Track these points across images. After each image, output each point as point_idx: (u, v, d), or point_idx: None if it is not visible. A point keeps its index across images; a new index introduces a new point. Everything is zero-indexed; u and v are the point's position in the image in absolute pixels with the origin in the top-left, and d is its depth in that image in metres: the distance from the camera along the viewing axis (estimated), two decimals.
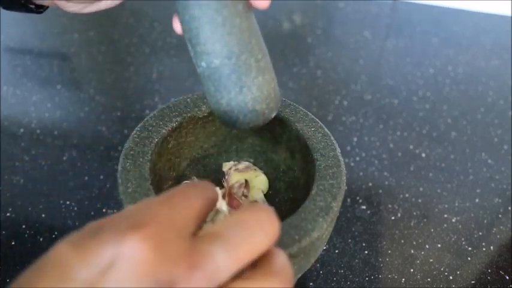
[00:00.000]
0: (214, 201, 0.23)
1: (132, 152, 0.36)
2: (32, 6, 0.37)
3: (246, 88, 0.34)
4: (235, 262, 0.20)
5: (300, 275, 0.36)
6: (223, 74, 0.33)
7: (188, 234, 0.20)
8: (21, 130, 0.62)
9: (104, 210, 0.53)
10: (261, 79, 0.34)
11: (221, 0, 0.30)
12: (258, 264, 0.22)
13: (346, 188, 0.56)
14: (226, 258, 0.20)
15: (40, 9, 0.38)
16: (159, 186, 0.39)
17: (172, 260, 0.19)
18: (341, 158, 0.37)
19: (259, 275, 0.21)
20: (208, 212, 0.23)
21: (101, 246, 0.19)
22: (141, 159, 0.36)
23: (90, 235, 0.19)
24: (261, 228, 0.21)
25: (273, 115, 0.37)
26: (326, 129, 0.40)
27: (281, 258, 0.22)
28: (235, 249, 0.20)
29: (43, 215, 0.52)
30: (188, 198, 0.22)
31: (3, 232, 0.50)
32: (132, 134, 0.38)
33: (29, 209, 0.52)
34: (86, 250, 0.18)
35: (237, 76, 0.33)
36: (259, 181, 0.45)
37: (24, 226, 0.51)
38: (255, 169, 0.47)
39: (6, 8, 0.37)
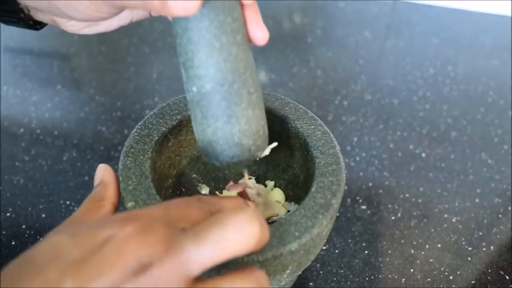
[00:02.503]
0: (211, 212, 0.27)
1: (132, 150, 0.36)
2: (31, 22, 0.36)
3: (235, 118, 0.33)
4: (205, 255, 0.23)
5: (300, 272, 0.36)
6: (213, 100, 0.32)
7: (174, 229, 0.24)
8: (21, 130, 0.62)
9: None
10: (251, 113, 0.33)
11: (221, 28, 0.30)
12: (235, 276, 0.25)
13: (346, 187, 0.56)
14: (196, 251, 0.23)
15: (38, 25, 0.37)
16: (159, 184, 0.39)
17: (152, 244, 0.22)
18: (340, 156, 0.37)
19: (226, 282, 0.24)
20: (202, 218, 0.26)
21: (96, 232, 0.23)
22: (141, 157, 0.36)
23: (88, 225, 0.24)
24: (235, 227, 0.24)
25: (260, 154, 0.36)
26: (325, 127, 0.40)
27: (258, 280, 0.25)
28: (206, 244, 0.23)
29: (43, 215, 0.52)
30: (184, 205, 0.26)
31: (3, 232, 0.50)
32: (133, 132, 0.38)
33: (29, 209, 0.52)
34: (81, 236, 0.23)
35: (227, 104, 0.32)
36: (278, 194, 0.45)
37: (24, 226, 0.51)
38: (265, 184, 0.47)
39: (5, 22, 0.36)
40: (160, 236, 0.23)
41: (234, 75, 0.32)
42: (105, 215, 0.30)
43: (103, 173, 0.33)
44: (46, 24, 0.37)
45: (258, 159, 0.36)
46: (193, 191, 0.45)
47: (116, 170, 0.56)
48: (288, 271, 0.33)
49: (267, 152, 0.36)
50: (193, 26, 0.30)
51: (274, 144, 0.37)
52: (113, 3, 0.31)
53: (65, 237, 0.23)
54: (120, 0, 0.30)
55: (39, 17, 0.36)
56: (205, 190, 0.45)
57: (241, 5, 0.32)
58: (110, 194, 0.32)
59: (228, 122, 0.33)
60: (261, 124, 0.35)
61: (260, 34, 0.32)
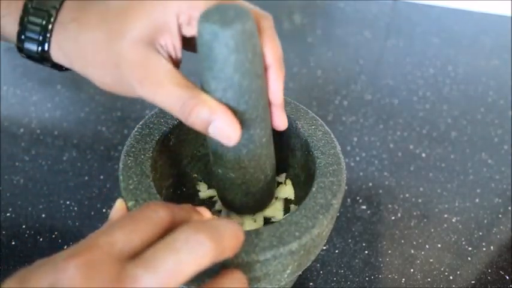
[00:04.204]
0: (162, 224, 0.25)
1: (133, 149, 0.36)
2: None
3: (251, 195, 0.38)
4: (158, 281, 0.22)
5: (300, 272, 0.36)
6: (235, 182, 0.37)
7: (122, 259, 0.23)
8: (21, 130, 0.62)
9: (104, 210, 0.53)
10: (265, 187, 0.39)
11: (250, 138, 0.33)
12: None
13: (346, 187, 0.56)
14: (149, 279, 0.22)
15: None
16: (160, 183, 0.39)
17: (100, 284, 0.21)
18: (341, 156, 0.38)
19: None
20: (160, 232, 0.25)
21: (41, 276, 0.22)
22: (142, 157, 0.36)
23: (35, 268, 0.23)
24: (186, 249, 0.23)
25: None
26: (326, 127, 0.40)
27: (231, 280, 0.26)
28: (157, 270, 0.22)
29: (43, 215, 0.52)
30: (131, 224, 0.25)
31: (3, 232, 0.50)
32: (134, 131, 0.38)
33: (29, 209, 0.52)
34: (28, 281, 0.22)
35: (247, 186, 0.37)
36: (288, 190, 0.45)
37: (24, 226, 0.51)
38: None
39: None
40: (107, 273, 0.22)
41: (256, 168, 0.36)
42: None
43: (114, 213, 0.31)
44: None
45: None
46: (194, 191, 0.45)
47: (116, 170, 0.56)
48: (288, 271, 0.33)
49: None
50: None
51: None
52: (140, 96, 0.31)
53: (14, 282, 0.22)
54: (158, 104, 0.30)
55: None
56: (203, 187, 0.45)
57: (270, 103, 0.34)
58: None
59: (246, 196, 0.39)
60: (271, 190, 0.41)
61: (281, 122, 0.36)
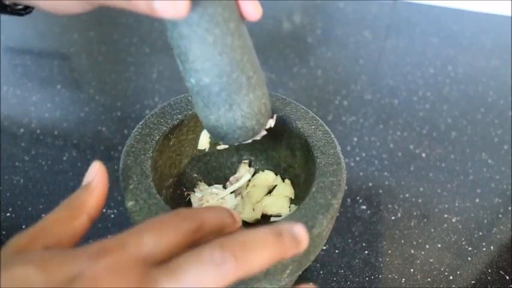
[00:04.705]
0: (191, 233, 0.25)
1: (133, 149, 0.36)
2: (19, 8, 0.35)
3: (236, 105, 0.33)
4: None
5: (300, 272, 0.36)
6: (212, 91, 0.32)
7: (148, 263, 0.23)
8: (21, 130, 0.62)
9: (103, 210, 0.53)
10: (252, 96, 0.33)
11: (212, 20, 0.29)
12: None
13: (346, 187, 0.56)
14: (169, 286, 0.22)
15: (28, 8, 0.36)
16: (160, 183, 0.39)
17: (124, 284, 0.22)
18: (341, 156, 0.37)
19: None
20: (187, 240, 0.25)
21: (66, 266, 0.22)
22: (142, 157, 0.36)
23: (56, 254, 0.23)
24: (211, 265, 0.23)
25: (263, 130, 0.36)
26: (326, 127, 0.40)
27: None
28: (179, 280, 0.22)
29: (43, 215, 0.51)
30: (159, 228, 0.25)
31: (3, 232, 0.50)
32: (134, 131, 0.38)
33: (29, 209, 0.52)
34: (50, 270, 0.22)
35: (227, 94, 0.32)
36: (287, 188, 0.45)
37: (24, 226, 0.51)
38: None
39: None
40: (133, 276, 0.22)
41: (232, 65, 0.31)
42: (78, 226, 0.27)
43: (94, 174, 0.29)
44: (33, 8, 0.36)
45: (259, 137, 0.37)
46: (193, 191, 0.45)
47: (116, 170, 0.56)
48: (288, 271, 0.32)
49: (271, 124, 0.37)
50: (183, 22, 0.29)
51: (274, 117, 0.38)
52: (94, 2, 0.30)
53: (32, 270, 0.22)
54: (102, 0, 0.29)
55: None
56: (203, 187, 0.45)
57: None
58: (91, 205, 0.28)
59: (230, 110, 0.33)
60: (262, 102, 0.35)
61: (252, 10, 0.31)
